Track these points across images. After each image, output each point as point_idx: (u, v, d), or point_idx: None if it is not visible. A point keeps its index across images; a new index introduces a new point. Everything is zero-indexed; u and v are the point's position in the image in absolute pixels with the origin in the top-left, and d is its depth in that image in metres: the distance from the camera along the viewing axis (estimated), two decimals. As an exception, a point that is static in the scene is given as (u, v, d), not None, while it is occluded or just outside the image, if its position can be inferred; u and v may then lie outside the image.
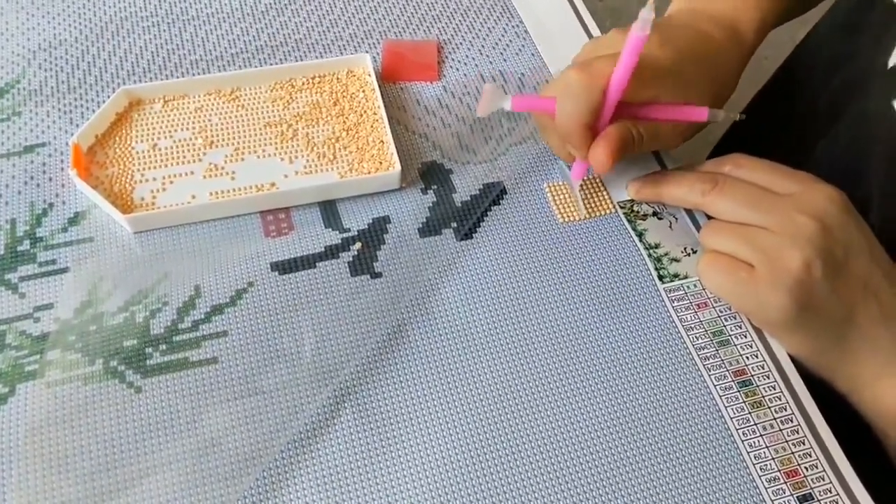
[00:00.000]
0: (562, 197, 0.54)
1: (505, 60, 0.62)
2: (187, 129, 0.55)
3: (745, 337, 0.49)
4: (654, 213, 0.54)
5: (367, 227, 0.52)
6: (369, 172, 0.53)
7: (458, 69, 0.61)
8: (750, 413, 0.46)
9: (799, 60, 0.69)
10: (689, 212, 0.54)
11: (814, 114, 0.63)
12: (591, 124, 0.48)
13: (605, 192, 0.55)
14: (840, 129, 0.59)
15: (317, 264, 0.50)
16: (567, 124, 0.48)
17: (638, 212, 0.54)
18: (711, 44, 0.53)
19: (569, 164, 0.54)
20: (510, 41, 0.63)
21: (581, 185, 0.54)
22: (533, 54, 0.62)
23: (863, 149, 0.56)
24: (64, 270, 0.49)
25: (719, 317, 0.50)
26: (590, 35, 0.64)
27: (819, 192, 0.47)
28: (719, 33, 0.53)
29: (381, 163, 0.53)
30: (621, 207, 0.54)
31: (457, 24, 0.64)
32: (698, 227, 0.53)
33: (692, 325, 0.49)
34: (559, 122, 0.48)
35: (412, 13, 0.64)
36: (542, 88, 0.52)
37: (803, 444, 0.45)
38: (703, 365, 0.48)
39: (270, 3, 0.64)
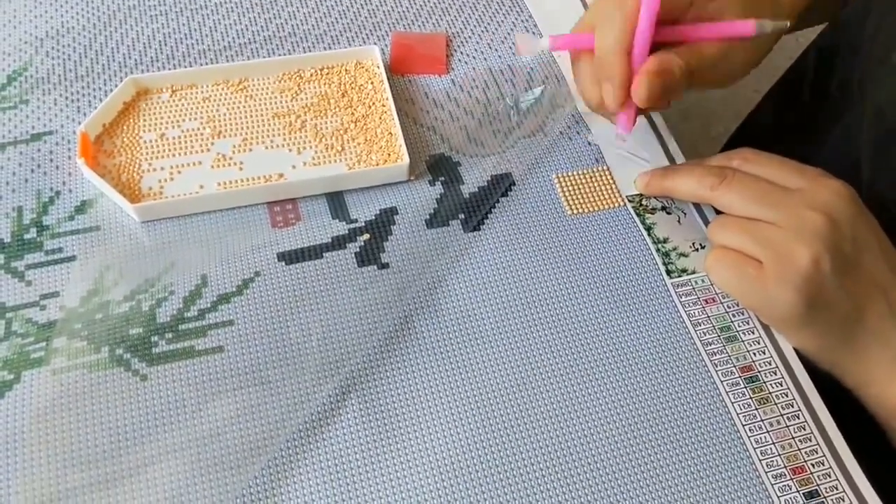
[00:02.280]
0: (571, 189, 0.54)
1: (514, 54, 0.62)
2: (195, 118, 0.54)
3: (753, 333, 0.49)
4: (663, 208, 0.54)
5: (374, 217, 0.52)
6: (377, 164, 0.53)
7: (466, 62, 0.61)
8: (756, 409, 0.46)
9: (810, 56, 0.69)
10: (698, 206, 0.54)
11: (825, 109, 0.63)
12: (630, 49, 0.46)
13: (613, 186, 0.54)
14: (852, 123, 0.59)
15: (324, 255, 0.50)
16: (607, 51, 0.46)
17: (646, 206, 0.54)
18: None
19: (613, 122, 0.53)
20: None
21: (592, 175, 0.54)
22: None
23: (872, 142, 0.56)
24: (70, 259, 0.49)
25: (727, 312, 0.50)
26: (599, 29, 0.64)
27: (828, 187, 0.46)
28: None
29: (389, 155, 0.53)
30: (630, 201, 0.54)
31: (466, 17, 0.64)
32: (707, 222, 0.53)
33: (700, 321, 0.49)
34: (599, 51, 0.47)
35: (421, 5, 0.64)
36: (575, 25, 0.50)
37: (810, 440, 0.45)
38: (710, 360, 0.48)
39: (279, -6, 0.64)
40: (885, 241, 0.47)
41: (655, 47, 0.47)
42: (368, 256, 0.50)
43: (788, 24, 0.49)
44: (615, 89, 0.48)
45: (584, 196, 0.54)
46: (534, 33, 0.63)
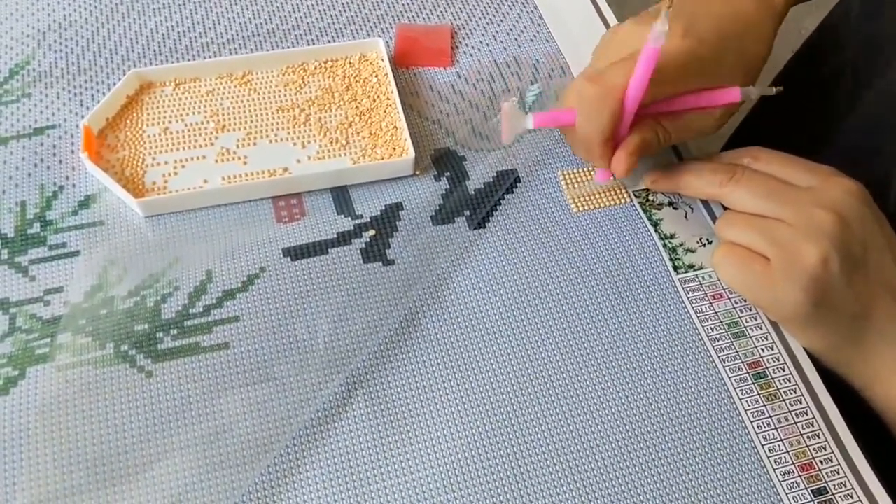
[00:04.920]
0: (576, 185, 0.54)
1: (519, 46, 0.61)
2: (199, 112, 0.54)
3: (761, 329, 0.49)
4: (670, 203, 0.53)
5: (379, 213, 0.51)
6: (382, 158, 0.52)
7: (471, 55, 0.60)
8: (765, 405, 0.46)
9: (817, 45, 0.68)
10: (705, 202, 0.54)
11: (834, 96, 0.62)
12: (612, 137, 0.47)
13: (619, 181, 0.54)
14: (861, 109, 0.58)
15: (329, 250, 0.49)
16: (587, 140, 0.47)
17: (653, 201, 0.53)
18: (740, 17, 0.50)
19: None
20: (524, 27, 0.62)
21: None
22: (547, 40, 0.62)
23: (884, 127, 0.55)
24: (74, 254, 0.48)
25: (734, 308, 0.49)
26: (605, 22, 0.63)
27: (838, 185, 0.46)
28: (750, 2, 0.51)
29: (394, 149, 0.53)
30: (636, 197, 0.54)
31: (471, 9, 0.63)
32: (714, 218, 0.53)
33: (707, 316, 0.49)
34: (580, 138, 0.48)
35: (425, -3, 0.64)
36: (561, 97, 0.51)
37: (818, 437, 0.45)
38: (718, 356, 0.47)
39: (282, -14, 0.63)
40: (894, 240, 0.46)
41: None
42: (374, 253, 0.50)
43: (775, 90, 0.49)
44: (598, 165, 0.50)
45: (590, 194, 0.53)
46: (539, 26, 0.62)
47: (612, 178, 0.53)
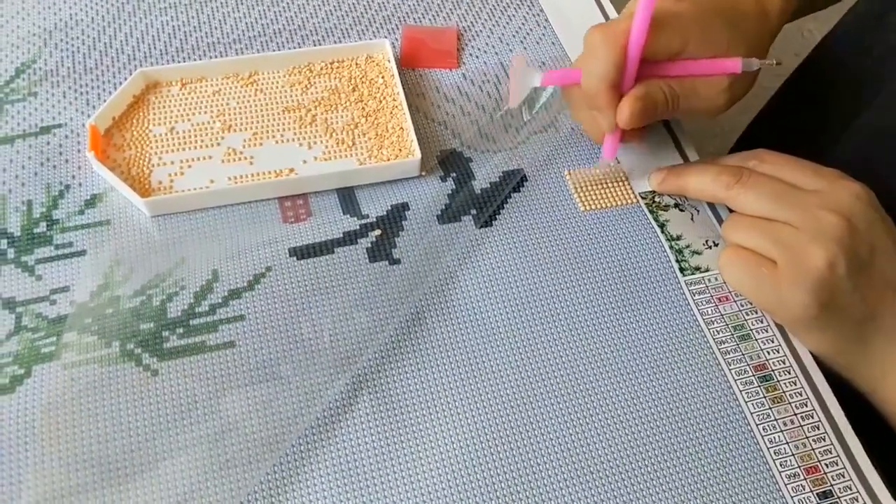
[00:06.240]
0: (583, 185, 0.54)
1: (525, 49, 0.61)
2: (205, 112, 0.54)
3: (767, 331, 0.49)
4: (676, 205, 0.53)
5: (385, 213, 0.51)
6: (389, 159, 0.52)
7: (478, 57, 0.60)
8: (770, 408, 0.46)
9: (825, 52, 0.68)
10: (711, 204, 0.54)
11: (839, 104, 0.62)
12: (616, 83, 0.48)
13: (626, 183, 0.54)
14: (866, 118, 0.58)
15: (335, 250, 0.49)
16: (592, 85, 0.48)
17: (660, 203, 0.53)
18: (736, 5, 0.51)
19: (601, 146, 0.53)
20: (530, 29, 0.63)
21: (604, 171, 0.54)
22: (553, 43, 0.62)
23: (888, 136, 0.55)
24: (80, 253, 0.48)
25: (740, 310, 0.49)
26: (610, 24, 0.63)
27: (845, 189, 0.46)
28: (744, 1, 0.52)
29: (400, 150, 0.53)
30: (643, 198, 0.54)
31: (477, 12, 0.63)
32: (720, 220, 0.53)
33: (713, 319, 0.49)
34: (585, 85, 0.48)
35: (432, -1, 0.64)
36: (573, 64, 0.52)
37: (824, 440, 0.45)
38: (724, 359, 0.47)
39: (289, -13, 0.63)
40: None
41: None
42: (380, 252, 0.50)
43: (776, 62, 0.50)
44: (603, 118, 0.50)
45: (597, 192, 0.53)
46: (544, 28, 0.63)
47: (616, 159, 0.54)
